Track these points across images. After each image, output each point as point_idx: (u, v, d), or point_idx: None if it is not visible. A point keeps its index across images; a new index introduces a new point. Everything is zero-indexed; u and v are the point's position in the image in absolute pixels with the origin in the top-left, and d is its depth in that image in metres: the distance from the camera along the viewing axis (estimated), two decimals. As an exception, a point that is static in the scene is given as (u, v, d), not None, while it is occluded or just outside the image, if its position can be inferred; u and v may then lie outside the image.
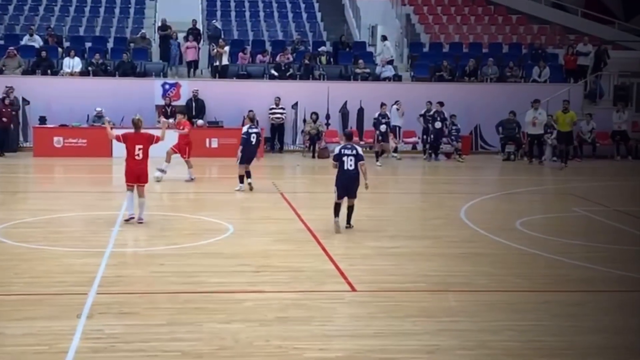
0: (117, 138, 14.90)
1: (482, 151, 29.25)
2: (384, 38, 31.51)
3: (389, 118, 25.86)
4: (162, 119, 17.55)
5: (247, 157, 18.95)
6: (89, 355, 8.12)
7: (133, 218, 14.89)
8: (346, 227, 14.65)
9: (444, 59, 30.35)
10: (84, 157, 24.62)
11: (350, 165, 14.32)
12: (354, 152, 14.38)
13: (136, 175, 14.80)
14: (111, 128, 15.72)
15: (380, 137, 25.40)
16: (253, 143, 19.07)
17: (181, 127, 20.89)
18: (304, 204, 17.66)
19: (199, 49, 29.78)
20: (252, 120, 20.42)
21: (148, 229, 14.70)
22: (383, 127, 25.21)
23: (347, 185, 14.37)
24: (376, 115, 25.58)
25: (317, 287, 10.95)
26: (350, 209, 14.67)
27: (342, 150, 14.43)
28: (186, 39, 29.74)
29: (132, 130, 14.81)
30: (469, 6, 35.87)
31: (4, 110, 25.52)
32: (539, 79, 29.92)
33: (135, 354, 8.19)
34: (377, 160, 24.48)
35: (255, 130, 19.43)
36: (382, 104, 25.85)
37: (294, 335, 8.84)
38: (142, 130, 14.85)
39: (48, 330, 8.82)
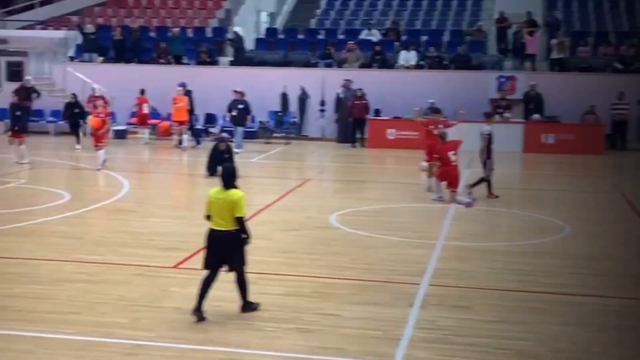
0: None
1: None
2: None
3: None
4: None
5: None
6: (421, 345, 8.08)
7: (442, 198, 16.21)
8: None
9: None
10: (415, 150, 24.88)
11: None
12: None
13: (451, 179, 16.14)
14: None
15: None
16: None
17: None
18: (648, 207, 16.39)
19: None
20: None
21: (480, 224, 14.51)
22: None
23: None
24: None
25: (666, 296, 10.02)
26: None
27: None
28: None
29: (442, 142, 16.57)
30: None
31: (356, 102, 26.74)
32: None
33: (467, 348, 8.02)
34: None
35: None
36: None
37: (637, 345, 8.13)
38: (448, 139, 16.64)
39: (382, 316, 8.93)
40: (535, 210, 15.78)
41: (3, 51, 32.26)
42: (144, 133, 26.58)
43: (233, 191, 8.67)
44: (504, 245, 12.75)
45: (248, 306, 8.95)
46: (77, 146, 24.04)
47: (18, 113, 20.62)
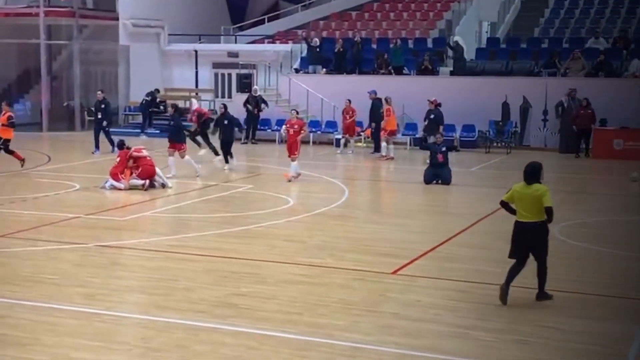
0: None
1: None
2: None
3: None
4: None
5: None
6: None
7: None
8: None
9: None
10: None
11: None
12: None
13: None
14: None
15: None
16: None
17: None
18: None
19: None
20: None
21: None
22: None
23: None
24: None
25: None
26: None
27: None
28: None
29: None
30: None
31: (581, 112, 26.01)
32: None
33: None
34: None
35: None
36: None
37: None
38: None
39: (605, 331, 8.66)
40: None
41: (234, 64, 34.04)
42: (360, 141, 27.06)
43: (537, 185, 9.54)
44: None
45: (544, 296, 9.64)
46: (232, 161, 21.89)
47: (172, 123, 20.60)
